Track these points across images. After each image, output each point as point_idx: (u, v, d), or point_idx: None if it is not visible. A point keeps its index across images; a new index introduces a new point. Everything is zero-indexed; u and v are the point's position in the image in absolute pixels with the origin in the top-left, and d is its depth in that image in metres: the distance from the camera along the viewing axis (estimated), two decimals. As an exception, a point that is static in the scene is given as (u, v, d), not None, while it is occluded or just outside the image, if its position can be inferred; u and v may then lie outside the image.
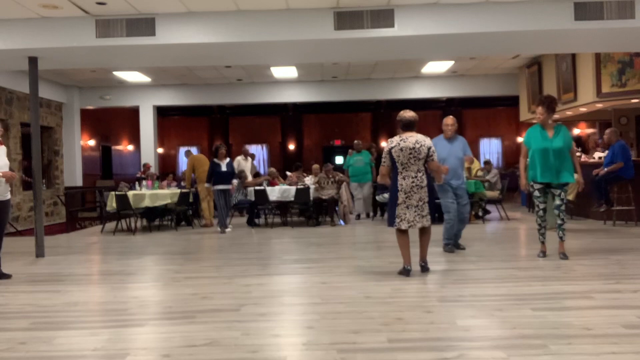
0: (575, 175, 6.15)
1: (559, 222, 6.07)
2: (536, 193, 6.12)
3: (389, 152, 5.27)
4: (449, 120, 6.89)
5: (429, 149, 5.27)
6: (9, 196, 5.82)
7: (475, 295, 4.54)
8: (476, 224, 9.94)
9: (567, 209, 9.93)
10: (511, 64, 13.49)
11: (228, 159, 9.83)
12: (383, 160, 5.37)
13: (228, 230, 9.66)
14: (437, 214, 7.27)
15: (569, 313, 3.97)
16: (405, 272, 5.30)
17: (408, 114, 5.37)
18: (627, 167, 8.57)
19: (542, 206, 6.14)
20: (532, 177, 6.12)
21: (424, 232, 5.43)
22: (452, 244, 6.75)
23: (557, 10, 7.18)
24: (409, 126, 5.33)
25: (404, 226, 5.25)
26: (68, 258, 7.38)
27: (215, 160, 9.68)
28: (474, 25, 7.32)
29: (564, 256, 6.05)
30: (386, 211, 7.58)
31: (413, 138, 5.25)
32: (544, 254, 6.17)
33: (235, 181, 9.97)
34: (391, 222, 5.34)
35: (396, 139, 5.30)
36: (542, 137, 6.03)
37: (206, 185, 9.81)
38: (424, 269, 5.46)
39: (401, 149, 5.20)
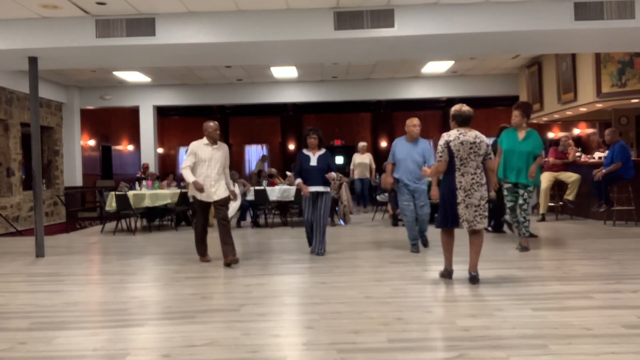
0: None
1: (521, 219, 6.40)
2: (505, 192, 6.57)
3: (447, 145, 4.87)
4: (415, 120, 6.75)
5: (488, 146, 4.95)
6: None
7: (476, 295, 4.55)
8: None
9: (567, 209, 10.08)
10: (511, 64, 13.49)
11: (323, 150, 6.95)
12: (440, 155, 4.92)
13: (321, 254, 6.87)
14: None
15: (569, 313, 3.97)
16: (447, 273, 5.07)
17: (466, 108, 5.00)
18: (627, 167, 8.58)
19: (509, 204, 6.59)
20: (503, 176, 6.55)
21: (475, 236, 4.98)
22: (418, 244, 6.86)
23: (557, 10, 7.18)
24: (467, 121, 4.97)
25: (465, 226, 4.89)
26: (68, 258, 7.38)
27: (304, 151, 6.98)
28: (474, 25, 7.32)
29: (523, 249, 6.47)
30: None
31: (472, 132, 4.93)
32: (525, 248, 6.49)
33: (334, 175, 6.96)
34: (443, 224, 4.99)
35: (454, 132, 4.93)
36: (512, 139, 6.47)
37: (296, 182, 6.92)
38: (474, 279, 4.94)
39: (461, 143, 4.84)
